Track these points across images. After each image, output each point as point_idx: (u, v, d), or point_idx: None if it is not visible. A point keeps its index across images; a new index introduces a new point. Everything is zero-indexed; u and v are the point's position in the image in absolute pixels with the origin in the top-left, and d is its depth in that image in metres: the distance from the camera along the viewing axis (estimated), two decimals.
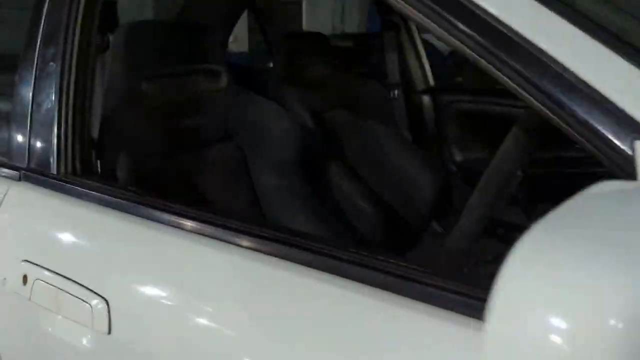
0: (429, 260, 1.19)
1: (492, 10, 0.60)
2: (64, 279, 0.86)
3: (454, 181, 2.26)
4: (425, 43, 2.33)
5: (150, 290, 0.83)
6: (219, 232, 0.77)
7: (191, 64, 1.39)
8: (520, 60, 0.58)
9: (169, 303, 0.81)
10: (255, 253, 0.74)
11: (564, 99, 0.56)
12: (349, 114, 2.10)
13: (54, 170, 0.97)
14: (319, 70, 2.05)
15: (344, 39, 3.10)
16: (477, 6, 0.61)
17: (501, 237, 1.60)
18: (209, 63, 1.42)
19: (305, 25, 9.94)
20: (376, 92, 2.16)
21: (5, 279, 0.94)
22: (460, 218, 0.92)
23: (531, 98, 0.58)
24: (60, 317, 0.87)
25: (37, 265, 0.90)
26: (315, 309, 0.68)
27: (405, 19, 2.19)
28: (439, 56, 3.02)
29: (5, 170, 1.04)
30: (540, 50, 0.57)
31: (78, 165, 0.98)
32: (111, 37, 1.19)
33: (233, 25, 2.83)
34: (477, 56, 0.61)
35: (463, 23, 0.61)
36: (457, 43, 0.62)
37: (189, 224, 0.80)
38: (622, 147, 0.53)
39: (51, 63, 0.98)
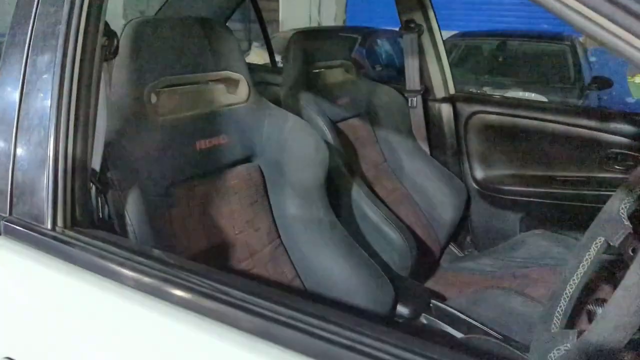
0: None
1: None
2: None
3: (473, 199, 2.07)
4: None
5: None
6: None
7: (208, 70, 1.14)
8: None
9: None
10: None
11: None
12: (365, 124, 1.88)
13: (46, 221, 0.71)
14: (335, 74, 1.82)
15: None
16: None
17: None
18: (229, 69, 1.18)
19: (282, 16, 9.69)
20: (394, 100, 1.95)
21: None
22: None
23: None
24: None
25: None
26: None
27: (428, 19, 1.97)
28: None
29: None
30: None
31: (79, 214, 0.72)
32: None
33: (227, 20, 2.57)
34: None
35: None
36: None
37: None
38: None
39: (44, 75, 0.72)
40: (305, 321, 0.55)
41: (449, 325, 1.37)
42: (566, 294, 1.01)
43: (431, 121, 2.06)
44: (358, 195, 1.57)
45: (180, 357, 0.60)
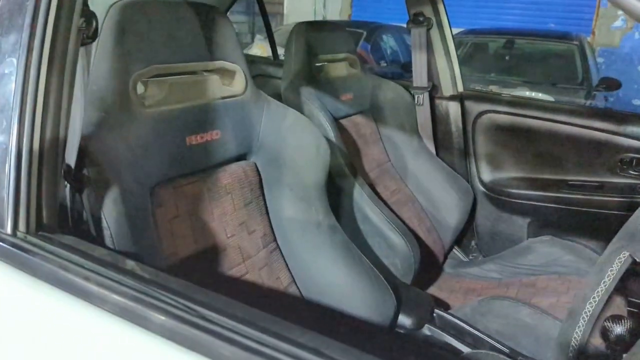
0: None
1: None
2: None
3: (479, 202, 1.99)
4: None
5: None
6: None
7: (201, 59, 1.05)
8: None
9: None
10: None
11: None
12: (368, 121, 1.79)
13: (6, 225, 0.63)
14: (339, 68, 1.73)
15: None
16: None
17: None
18: (224, 59, 1.09)
19: (287, 9, 9.57)
20: (400, 97, 1.86)
21: None
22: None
23: None
24: None
25: None
26: None
27: (437, 12, 1.88)
28: None
29: None
30: None
31: (46, 216, 0.64)
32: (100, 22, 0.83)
33: (228, 9, 2.48)
34: None
35: None
36: None
37: None
38: None
39: (8, 58, 0.63)
40: (298, 356, 0.46)
41: (453, 337, 1.29)
42: (585, 312, 0.93)
43: (438, 120, 1.97)
44: (360, 196, 1.48)
45: None
